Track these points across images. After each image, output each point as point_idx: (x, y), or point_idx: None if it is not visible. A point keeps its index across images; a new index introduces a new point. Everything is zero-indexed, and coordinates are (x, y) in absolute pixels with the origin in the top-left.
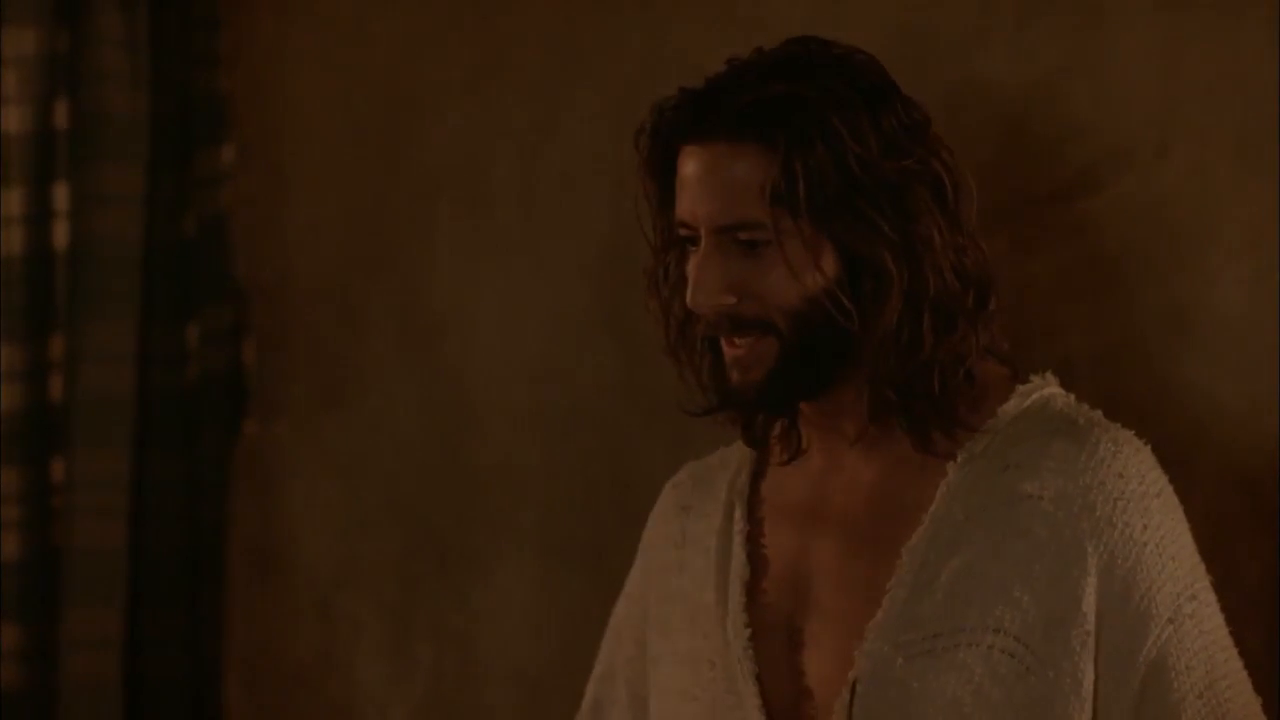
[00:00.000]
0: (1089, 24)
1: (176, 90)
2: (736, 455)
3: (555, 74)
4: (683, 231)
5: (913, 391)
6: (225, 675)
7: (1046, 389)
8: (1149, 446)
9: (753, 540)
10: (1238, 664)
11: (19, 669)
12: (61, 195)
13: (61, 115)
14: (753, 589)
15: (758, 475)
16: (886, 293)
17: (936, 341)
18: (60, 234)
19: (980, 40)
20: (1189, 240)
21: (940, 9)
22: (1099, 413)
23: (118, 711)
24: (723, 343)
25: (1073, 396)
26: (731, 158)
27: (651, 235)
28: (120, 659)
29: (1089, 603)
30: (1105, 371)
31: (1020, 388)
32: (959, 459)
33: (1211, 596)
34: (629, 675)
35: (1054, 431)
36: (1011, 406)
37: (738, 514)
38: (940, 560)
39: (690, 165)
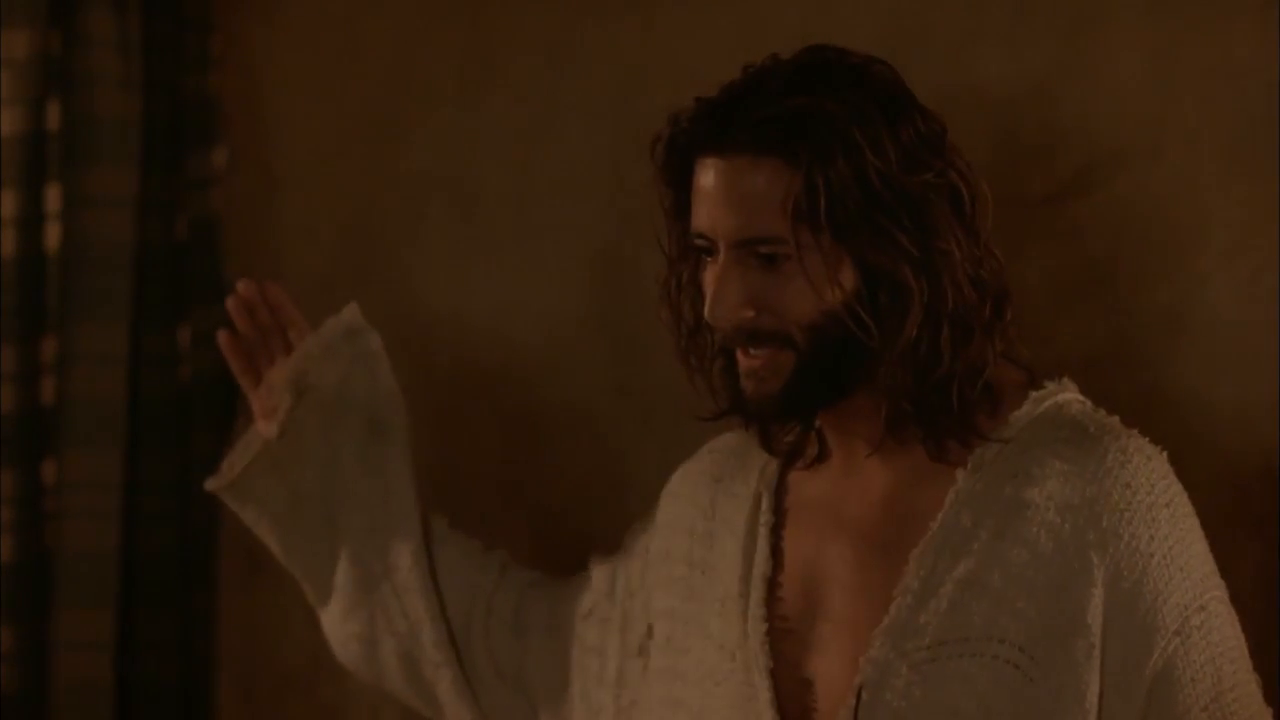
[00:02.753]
0: (1081, 26)
1: (168, 92)
2: None
3: (547, 74)
4: (699, 242)
5: (930, 404)
6: (217, 677)
7: (1061, 394)
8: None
9: (775, 533)
10: (1248, 675)
11: (11, 671)
12: (53, 197)
13: (53, 117)
14: (772, 584)
15: (786, 466)
16: (906, 307)
17: (954, 354)
18: (52, 236)
19: (972, 42)
20: (1182, 242)
21: (932, 10)
22: (1115, 419)
23: (109, 713)
24: (737, 351)
25: (1089, 403)
26: (752, 171)
27: (665, 244)
28: (112, 661)
29: (1094, 614)
30: (1098, 374)
31: (1034, 394)
32: (969, 466)
33: (1223, 607)
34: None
35: (1063, 440)
36: (1024, 413)
37: (764, 504)
38: (946, 568)
39: (709, 177)
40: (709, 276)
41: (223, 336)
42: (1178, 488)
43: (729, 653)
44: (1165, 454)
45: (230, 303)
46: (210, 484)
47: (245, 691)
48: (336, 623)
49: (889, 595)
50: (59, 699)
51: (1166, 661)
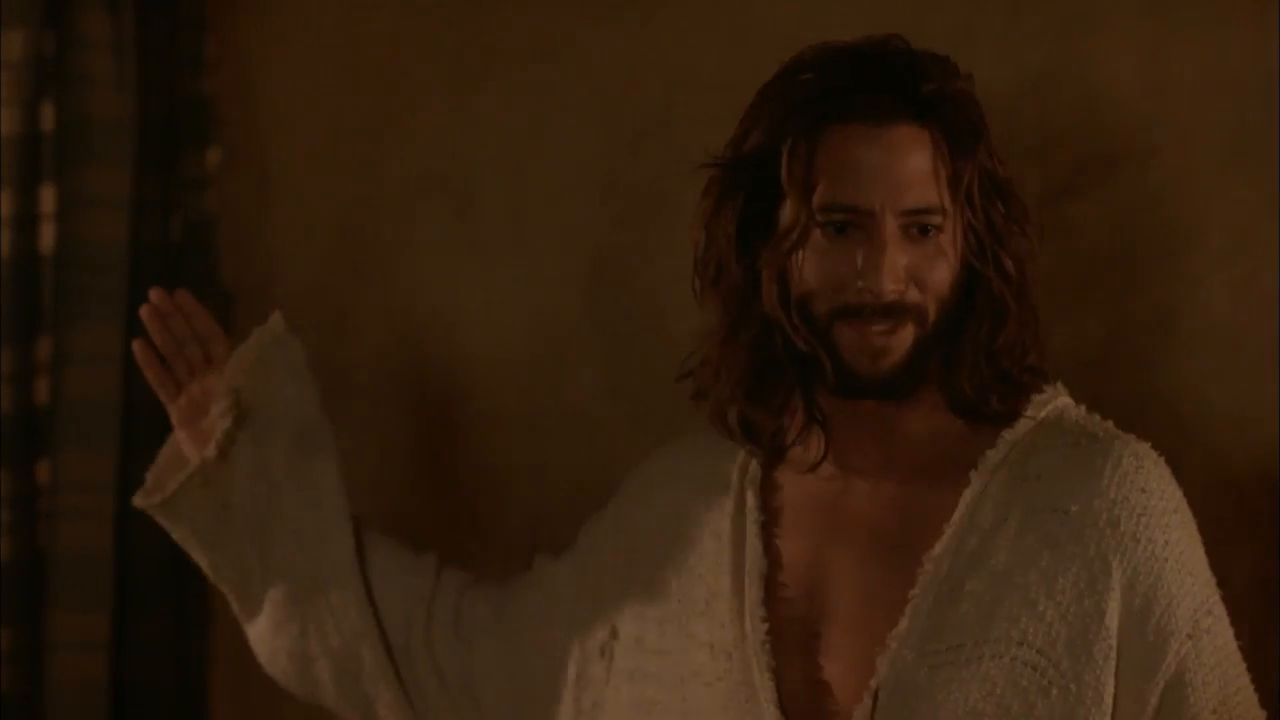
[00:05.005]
0: (1076, 25)
1: (162, 93)
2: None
3: (540, 75)
4: (838, 216)
5: (989, 390)
6: (211, 678)
7: (1059, 399)
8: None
9: (767, 531)
10: (1247, 678)
11: (6, 671)
12: (48, 198)
13: (47, 118)
14: (770, 582)
15: (770, 464)
16: (999, 290)
17: (1024, 340)
18: (46, 237)
19: (967, 41)
20: (1176, 243)
21: (928, 9)
22: (1111, 423)
23: (104, 714)
24: (847, 328)
25: (1083, 408)
26: (919, 143)
27: (790, 218)
28: (107, 661)
29: (1111, 617)
30: (1091, 374)
31: (1036, 398)
32: (979, 468)
33: (1223, 610)
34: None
35: (1074, 444)
36: (1026, 416)
37: (751, 503)
38: (963, 570)
39: (865, 147)
40: (821, 251)
41: (137, 346)
42: (1180, 493)
43: (723, 653)
44: (1163, 458)
45: (143, 312)
46: (138, 501)
47: (240, 692)
48: (265, 637)
49: (902, 597)
50: (54, 699)
51: (1179, 665)
